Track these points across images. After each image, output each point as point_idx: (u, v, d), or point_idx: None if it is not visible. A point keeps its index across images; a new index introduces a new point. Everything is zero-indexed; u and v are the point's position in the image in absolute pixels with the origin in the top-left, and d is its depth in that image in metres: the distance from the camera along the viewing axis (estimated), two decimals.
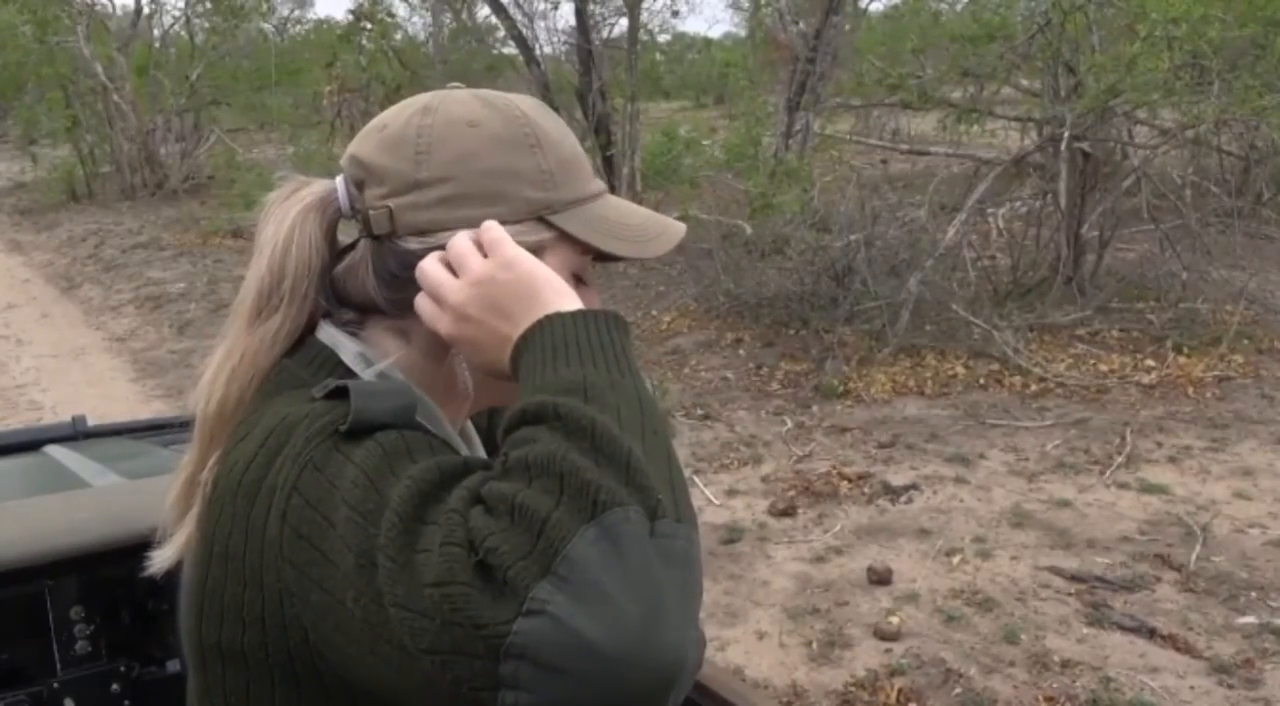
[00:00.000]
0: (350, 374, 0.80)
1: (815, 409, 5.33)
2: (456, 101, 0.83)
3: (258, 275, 0.83)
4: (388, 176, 0.80)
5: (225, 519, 0.73)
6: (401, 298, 0.80)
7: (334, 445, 0.68)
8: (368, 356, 0.81)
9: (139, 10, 16.39)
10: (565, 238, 0.81)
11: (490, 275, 0.73)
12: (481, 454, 0.94)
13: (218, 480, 0.76)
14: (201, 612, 0.75)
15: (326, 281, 0.84)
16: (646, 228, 0.86)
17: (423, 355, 0.83)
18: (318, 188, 0.84)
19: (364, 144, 0.83)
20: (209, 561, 0.74)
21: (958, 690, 2.95)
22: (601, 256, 0.84)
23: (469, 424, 0.95)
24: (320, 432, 0.70)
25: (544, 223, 0.81)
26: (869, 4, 12.57)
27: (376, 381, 0.77)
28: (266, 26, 17.75)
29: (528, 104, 0.85)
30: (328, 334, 0.83)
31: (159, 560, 0.85)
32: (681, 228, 0.88)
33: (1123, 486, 4.25)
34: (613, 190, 0.90)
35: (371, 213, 0.80)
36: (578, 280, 0.83)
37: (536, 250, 0.79)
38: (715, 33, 33.94)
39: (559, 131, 0.85)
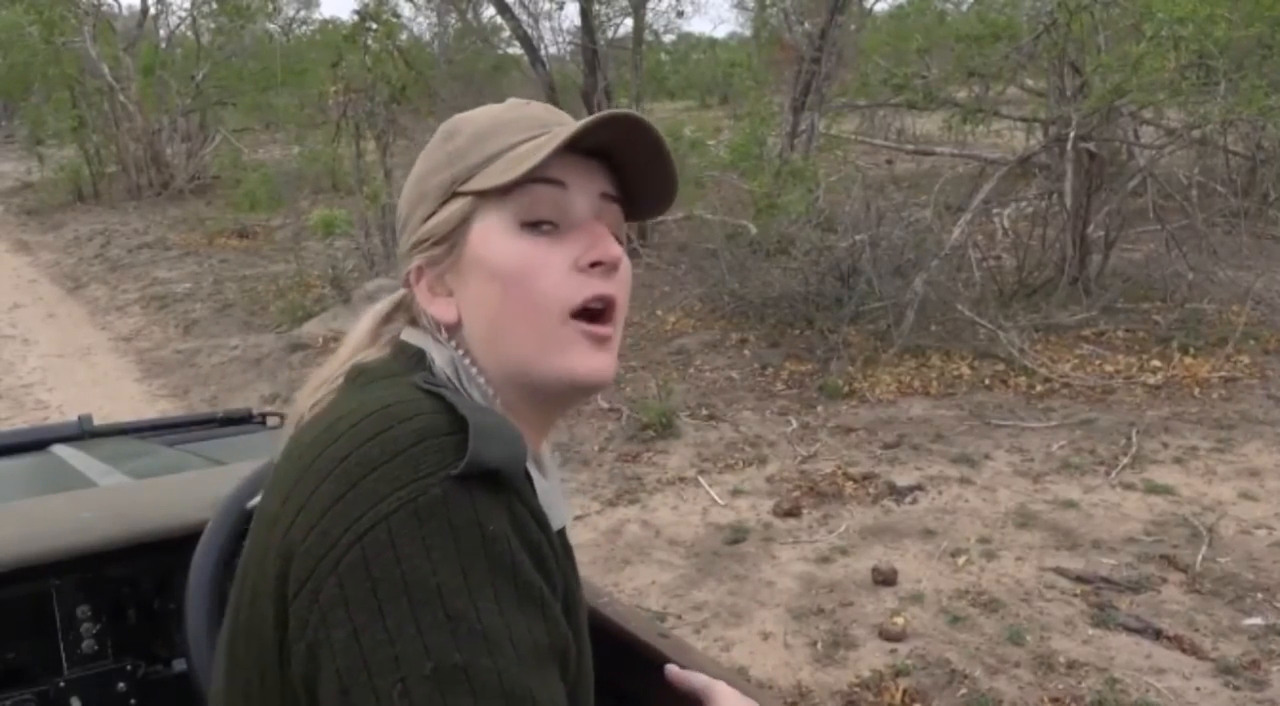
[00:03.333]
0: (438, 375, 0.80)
1: (820, 409, 5.32)
2: None
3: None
4: None
5: (307, 491, 0.70)
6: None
7: (444, 494, 0.66)
8: (459, 365, 0.81)
9: (145, 11, 16.46)
10: (482, 195, 0.80)
11: None
12: (556, 482, 0.93)
13: (300, 447, 0.74)
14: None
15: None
16: (546, 144, 0.78)
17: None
18: None
19: None
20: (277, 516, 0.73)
21: (963, 691, 2.94)
22: (543, 178, 0.79)
23: (548, 451, 0.93)
24: (433, 465, 0.67)
25: (459, 195, 0.81)
26: (874, 4, 12.57)
27: (491, 416, 0.73)
28: (272, 27, 17.81)
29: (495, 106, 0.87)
30: (413, 335, 0.84)
31: None
32: (583, 122, 0.79)
33: (1128, 487, 4.25)
34: None
35: None
36: (539, 225, 0.80)
37: (463, 223, 0.81)
38: (720, 33, 34.04)
39: (493, 113, 0.84)
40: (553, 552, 0.73)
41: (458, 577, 0.64)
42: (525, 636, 0.65)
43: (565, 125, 0.82)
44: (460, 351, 0.82)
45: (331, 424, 0.73)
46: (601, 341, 0.80)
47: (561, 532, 0.84)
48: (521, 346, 0.79)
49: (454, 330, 0.82)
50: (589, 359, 0.80)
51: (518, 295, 0.79)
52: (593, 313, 0.80)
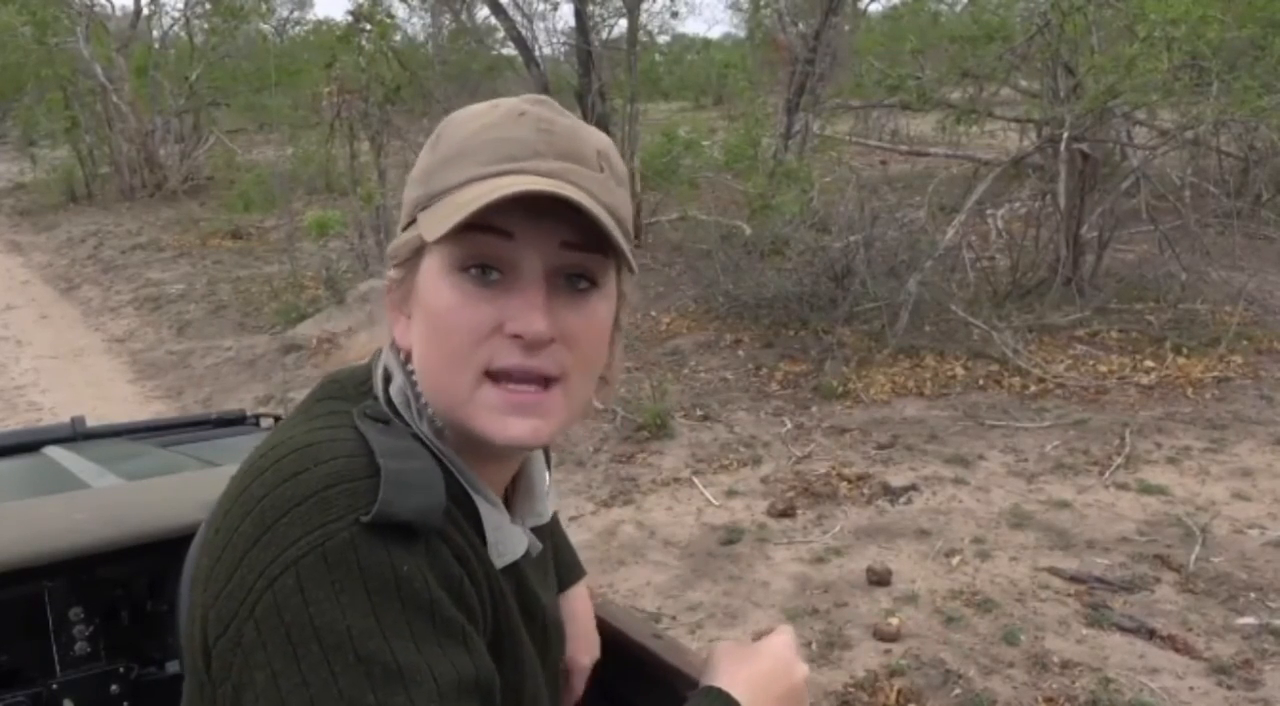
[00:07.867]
0: (391, 406, 0.79)
1: (814, 410, 5.33)
2: None
3: None
4: None
5: (230, 528, 0.71)
6: None
7: (351, 537, 0.66)
8: (408, 394, 0.80)
9: (138, 11, 16.40)
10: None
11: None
12: (544, 504, 0.93)
13: (251, 463, 0.75)
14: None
15: None
16: (481, 198, 0.70)
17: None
18: None
19: None
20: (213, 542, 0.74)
21: (957, 691, 2.95)
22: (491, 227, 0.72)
23: (537, 466, 0.92)
24: (341, 509, 0.67)
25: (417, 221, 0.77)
26: (868, 5, 12.59)
27: (414, 459, 0.73)
28: (266, 27, 17.80)
29: (504, 103, 0.78)
30: (386, 355, 0.82)
31: None
32: (514, 187, 0.70)
33: (1122, 487, 4.25)
34: None
35: None
36: (486, 270, 0.73)
37: (415, 255, 0.77)
38: (715, 33, 34.06)
39: (475, 127, 0.76)
40: (478, 589, 0.74)
41: (368, 619, 0.64)
42: (448, 671, 0.65)
43: (535, 160, 0.73)
44: (414, 378, 0.79)
45: (265, 453, 0.74)
46: (521, 407, 0.74)
47: (518, 563, 0.83)
48: (443, 395, 0.76)
49: (410, 356, 0.80)
50: (504, 426, 0.74)
51: (439, 343, 0.75)
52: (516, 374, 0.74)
